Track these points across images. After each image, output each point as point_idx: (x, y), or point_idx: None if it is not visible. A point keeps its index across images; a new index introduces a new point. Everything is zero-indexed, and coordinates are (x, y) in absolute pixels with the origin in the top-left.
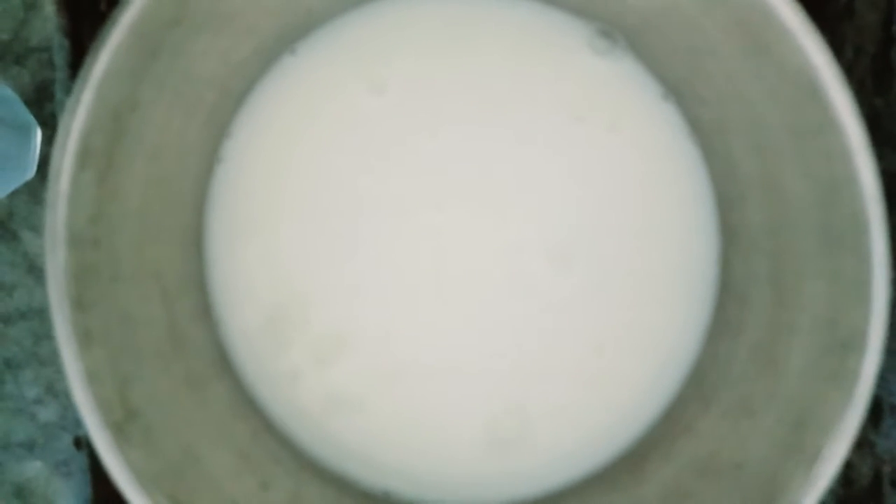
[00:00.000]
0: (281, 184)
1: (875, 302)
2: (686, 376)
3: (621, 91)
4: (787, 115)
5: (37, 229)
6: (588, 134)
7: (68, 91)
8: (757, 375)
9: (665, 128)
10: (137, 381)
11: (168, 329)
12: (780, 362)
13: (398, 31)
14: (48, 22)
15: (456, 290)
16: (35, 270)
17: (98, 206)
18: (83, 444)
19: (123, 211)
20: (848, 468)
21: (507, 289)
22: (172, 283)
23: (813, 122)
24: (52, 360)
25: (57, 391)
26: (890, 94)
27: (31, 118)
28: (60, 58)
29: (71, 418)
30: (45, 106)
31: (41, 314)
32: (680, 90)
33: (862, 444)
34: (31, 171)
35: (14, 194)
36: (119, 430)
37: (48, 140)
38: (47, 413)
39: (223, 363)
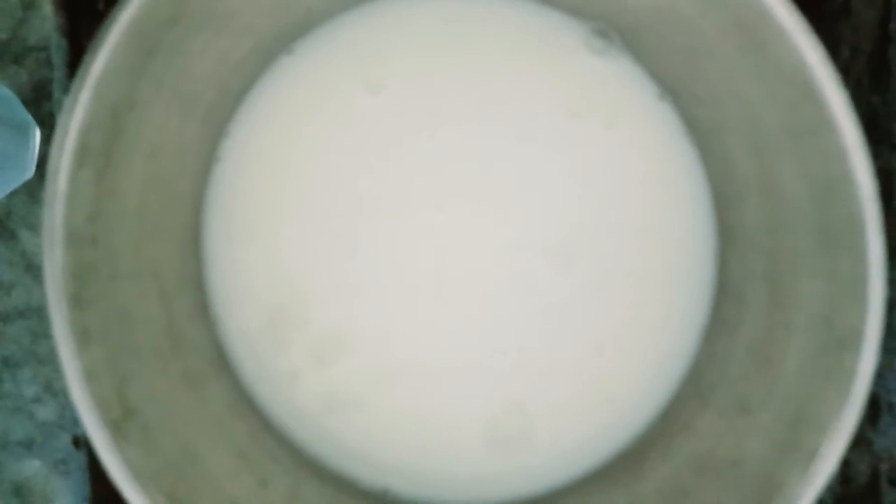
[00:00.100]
0: (279, 183)
1: (871, 300)
2: (684, 375)
3: (618, 90)
4: (783, 114)
5: (35, 228)
6: (586, 131)
7: (66, 90)
8: (754, 374)
9: (662, 127)
10: (135, 379)
11: (166, 328)
12: (777, 361)
13: (396, 30)
14: (46, 21)
15: (455, 290)
16: (33, 269)
17: (96, 204)
18: (82, 442)
19: (121, 209)
20: (846, 466)
21: (507, 288)
22: (170, 281)
23: (809, 122)
24: (50, 359)
25: (55, 390)
26: (887, 92)
27: (29, 117)
28: (58, 57)
29: (69, 417)
30: (43, 105)
31: (39, 313)
32: (676, 90)
33: (860, 442)
34: (30, 171)
35: (12, 193)
36: (117, 429)
37: (46, 139)
38: (46, 412)
39: (221, 362)
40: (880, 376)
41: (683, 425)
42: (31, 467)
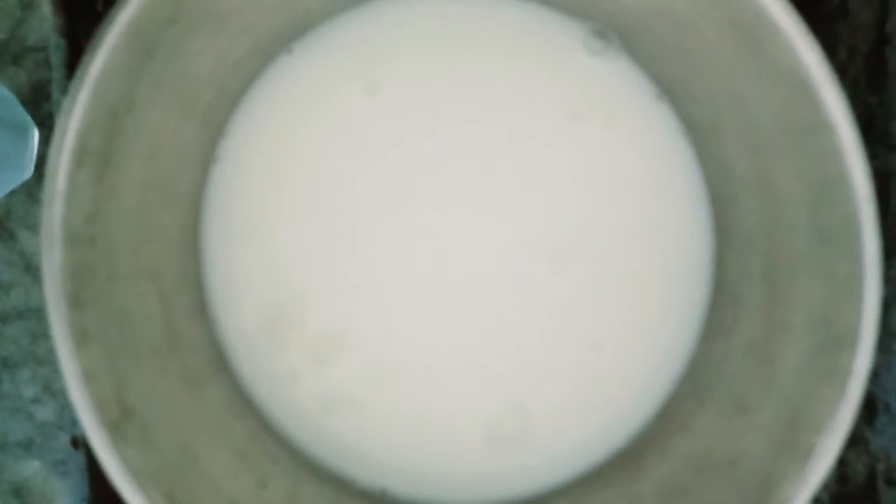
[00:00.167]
0: (278, 183)
1: (867, 300)
2: (682, 375)
3: (616, 91)
4: (780, 115)
5: (34, 228)
6: (585, 131)
7: (65, 91)
8: (751, 373)
9: (660, 127)
10: (134, 379)
11: (165, 328)
12: (774, 360)
13: (395, 30)
14: (45, 21)
15: (454, 290)
16: (32, 269)
17: (95, 204)
18: (80, 443)
19: (120, 210)
20: (842, 465)
21: (506, 288)
22: (169, 281)
23: (805, 122)
24: (49, 360)
25: (54, 390)
26: (884, 93)
27: (27, 118)
28: (57, 57)
29: (68, 417)
30: (41, 105)
31: (38, 313)
32: (674, 90)
33: (856, 441)
34: (29, 171)
35: (11, 193)
36: (116, 429)
37: (45, 140)
38: (45, 412)
39: (220, 362)
40: (877, 376)
41: (681, 425)
42: (30, 468)
